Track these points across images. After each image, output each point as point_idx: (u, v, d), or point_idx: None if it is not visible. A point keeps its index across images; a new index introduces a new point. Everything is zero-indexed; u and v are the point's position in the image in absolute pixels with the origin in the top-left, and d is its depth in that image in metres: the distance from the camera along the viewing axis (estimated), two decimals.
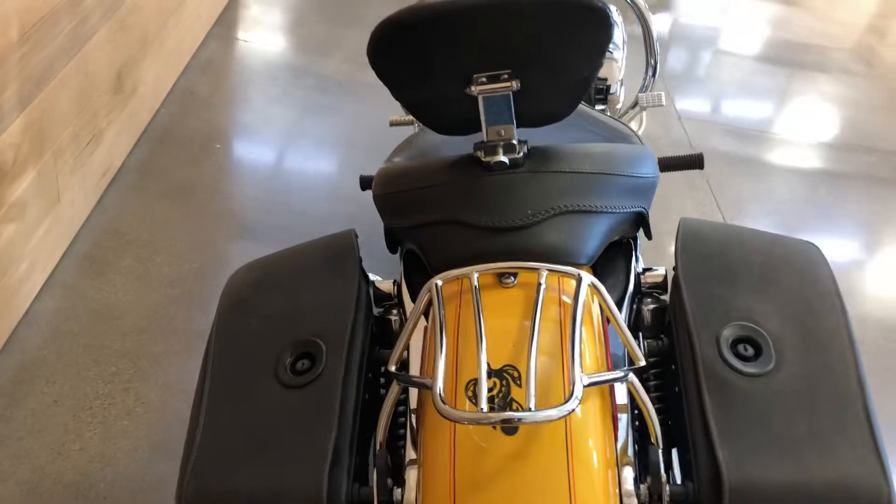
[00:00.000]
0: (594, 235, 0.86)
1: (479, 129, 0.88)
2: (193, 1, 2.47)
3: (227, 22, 2.84)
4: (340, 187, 2.14)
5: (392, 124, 1.75)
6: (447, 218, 0.87)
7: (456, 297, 0.83)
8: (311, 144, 2.36)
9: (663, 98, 1.58)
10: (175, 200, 2.01)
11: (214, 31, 2.74)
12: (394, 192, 0.95)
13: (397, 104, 1.86)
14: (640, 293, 0.97)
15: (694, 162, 1.66)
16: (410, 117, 1.76)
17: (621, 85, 1.56)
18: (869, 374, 0.77)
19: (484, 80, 0.84)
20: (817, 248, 0.90)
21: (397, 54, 0.84)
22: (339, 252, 0.97)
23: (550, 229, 0.84)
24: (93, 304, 1.69)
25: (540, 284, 0.79)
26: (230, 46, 2.75)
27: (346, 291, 0.90)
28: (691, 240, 0.91)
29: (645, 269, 0.99)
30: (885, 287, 2.10)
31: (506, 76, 0.84)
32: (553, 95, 0.88)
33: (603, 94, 1.53)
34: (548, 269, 0.80)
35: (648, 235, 0.97)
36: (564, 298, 0.80)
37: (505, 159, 0.85)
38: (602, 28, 0.80)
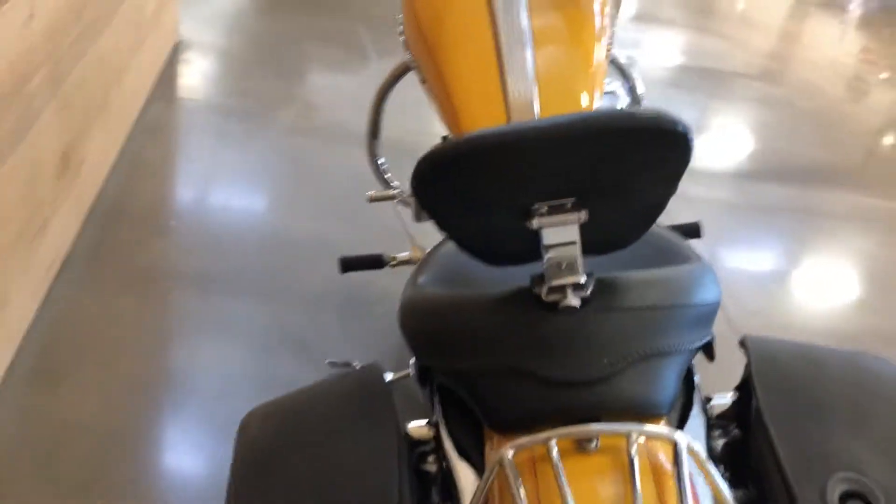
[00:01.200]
0: (673, 379, 0.77)
1: (537, 259, 0.78)
2: (135, 64, 2.30)
3: (168, 79, 2.67)
4: (313, 258, 2.00)
5: (371, 200, 1.64)
6: (506, 366, 0.76)
7: (528, 467, 0.72)
8: (273, 210, 2.21)
9: None
10: (131, 290, 1.83)
11: (157, 90, 2.57)
12: (433, 328, 0.84)
13: (363, 165, 1.77)
14: (707, 424, 0.88)
15: (691, 231, 1.59)
16: (391, 192, 1.65)
17: None
18: None
19: (545, 210, 0.75)
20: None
21: (447, 188, 0.75)
22: (370, 395, 0.86)
23: (630, 379, 0.74)
24: (49, 427, 1.50)
25: (631, 450, 0.69)
26: (174, 106, 2.58)
27: (386, 448, 0.79)
28: (766, 367, 0.84)
29: (707, 397, 0.91)
30: (814, 321, 2.07)
31: (570, 206, 0.74)
32: (622, 223, 0.79)
33: None
34: (638, 432, 0.70)
35: (711, 357, 0.88)
36: (658, 464, 0.70)
37: (576, 302, 0.75)
38: (684, 152, 0.71)
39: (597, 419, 0.72)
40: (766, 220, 2.46)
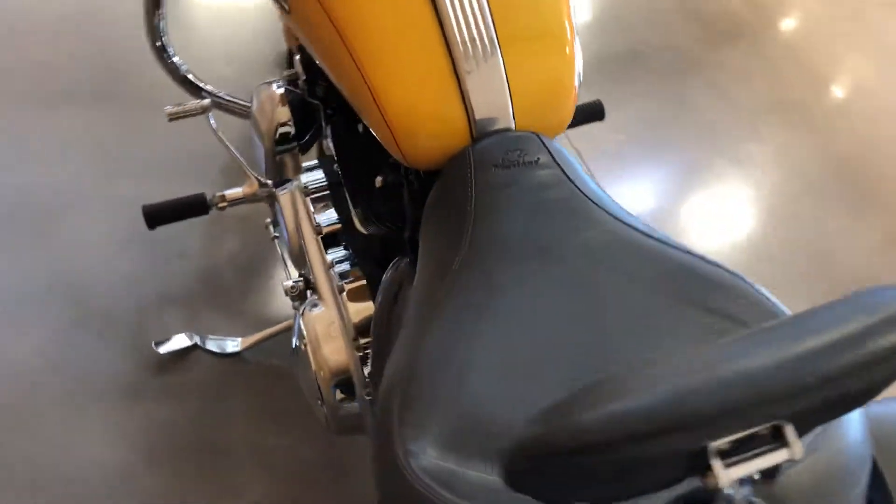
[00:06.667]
0: None
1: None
2: None
3: None
4: None
5: (172, 118, 1.18)
6: None
7: None
8: None
9: None
10: None
11: None
12: None
13: None
14: None
15: (595, 113, 1.31)
16: (201, 102, 1.19)
17: None
18: None
19: (726, 447, 0.41)
20: None
21: (572, 473, 0.43)
22: None
23: None
24: None
25: None
26: None
27: None
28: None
29: None
30: None
31: (767, 433, 0.42)
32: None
33: None
34: None
35: None
36: None
37: None
38: None
39: None
40: None
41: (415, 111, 0.72)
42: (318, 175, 1.15)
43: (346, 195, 0.95)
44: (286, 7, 0.78)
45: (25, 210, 1.54)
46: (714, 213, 1.75)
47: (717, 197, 1.79)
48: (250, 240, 1.56)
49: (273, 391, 1.33)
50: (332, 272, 0.98)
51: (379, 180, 0.86)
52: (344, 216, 1.06)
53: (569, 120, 0.78)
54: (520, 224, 0.67)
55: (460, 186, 0.70)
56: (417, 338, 0.63)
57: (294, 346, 1.01)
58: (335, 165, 0.99)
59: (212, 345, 1.35)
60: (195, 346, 1.34)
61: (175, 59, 1.23)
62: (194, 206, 1.21)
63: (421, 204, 0.77)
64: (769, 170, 1.84)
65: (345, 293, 0.94)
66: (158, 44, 1.20)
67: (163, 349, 1.32)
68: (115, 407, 1.25)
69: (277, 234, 1.32)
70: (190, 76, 1.26)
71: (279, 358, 1.39)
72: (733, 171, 1.84)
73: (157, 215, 1.20)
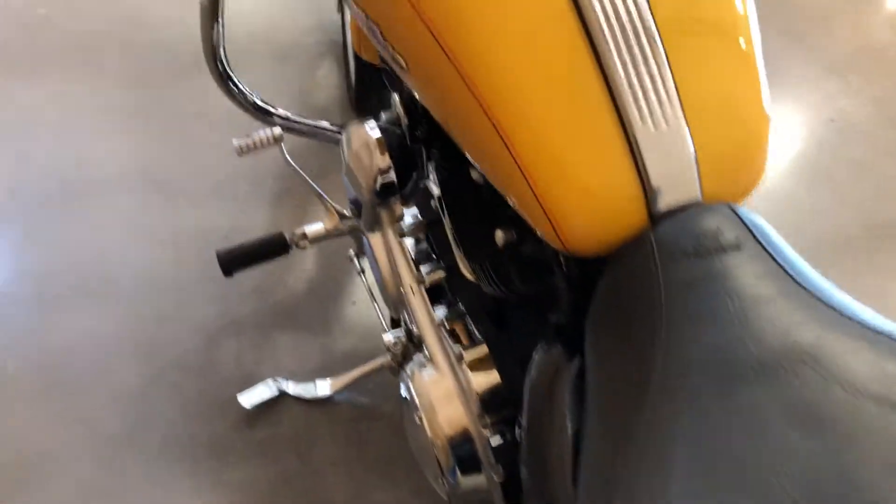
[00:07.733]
0: None
1: None
2: None
3: None
4: None
5: (242, 152, 1.05)
6: None
7: None
8: None
9: None
10: None
11: None
12: None
13: None
14: None
15: None
16: (271, 132, 1.06)
17: None
18: None
19: None
20: None
21: None
22: None
23: None
24: None
25: None
26: None
27: None
28: None
29: None
30: None
31: None
32: None
33: None
34: None
35: None
36: None
37: None
38: None
39: None
40: None
41: (576, 185, 0.56)
42: (412, 211, 1.01)
43: (452, 241, 0.81)
44: (404, 65, 0.63)
45: (81, 264, 1.43)
46: (812, 179, 1.59)
47: (813, 160, 1.62)
48: (325, 265, 1.44)
49: (369, 437, 1.22)
50: (444, 333, 0.85)
51: (500, 236, 0.71)
52: (446, 261, 0.92)
53: (760, 179, 0.62)
54: (727, 331, 0.52)
55: (643, 282, 0.54)
56: (614, 471, 0.49)
57: (403, 402, 0.89)
58: (432, 202, 0.85)
59: (299, 390, 1.24)
60: (282, 394, 1.23)
61: (240, 86, 1.09)
62: (273, 248, 1.09)
63: (577, 289, 0.62)
64: (863, 126, 1.67)
65: (465, 362, 0.81)
66: (221, 70, 1.06)
67: (247, 402, 1.21)
68: (203, 471, 1.15)
69: (363, 268, 1.19)
70: (258, 101, 1.12)
71: (369, 396, 1.27)
72: (824, 129, 1.67)
73: (233, 261, 1.08)
